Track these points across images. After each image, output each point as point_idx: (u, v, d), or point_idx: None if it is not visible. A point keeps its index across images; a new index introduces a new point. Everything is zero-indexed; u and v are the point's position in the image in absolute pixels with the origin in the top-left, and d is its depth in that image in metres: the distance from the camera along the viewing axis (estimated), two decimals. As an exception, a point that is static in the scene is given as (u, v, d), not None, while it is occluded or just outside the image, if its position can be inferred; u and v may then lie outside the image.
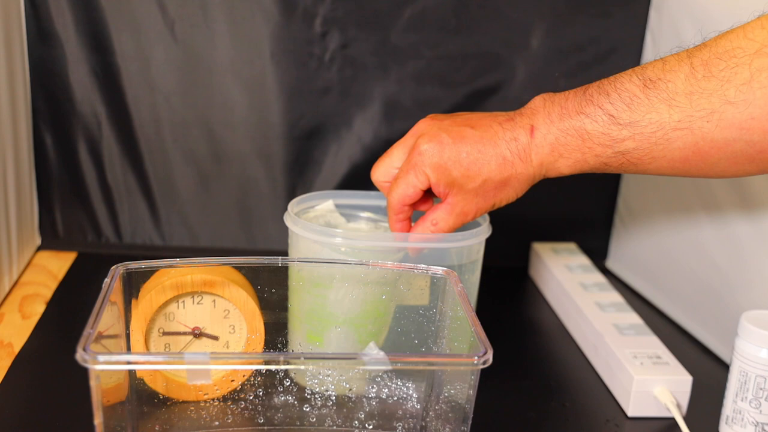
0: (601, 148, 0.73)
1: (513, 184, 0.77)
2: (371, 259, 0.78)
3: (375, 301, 0.79)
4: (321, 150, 1.12)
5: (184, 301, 0.77)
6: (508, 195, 0.79)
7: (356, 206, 0.90)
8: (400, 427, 0.75)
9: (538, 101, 0.77)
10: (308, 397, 0.75)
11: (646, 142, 0.71)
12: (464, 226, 0.89)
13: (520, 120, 0.76)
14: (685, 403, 0.82)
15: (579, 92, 0.75)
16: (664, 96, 0.70)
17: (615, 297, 0.99)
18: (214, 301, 0.77)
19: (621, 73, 0.74)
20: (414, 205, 0.81)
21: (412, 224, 0.82)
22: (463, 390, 0.68)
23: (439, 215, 0.79)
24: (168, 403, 0.76)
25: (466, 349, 0.69)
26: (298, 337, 0.81)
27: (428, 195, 0.81)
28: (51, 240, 1.13)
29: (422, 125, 0.79)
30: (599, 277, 1.05)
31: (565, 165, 0.76)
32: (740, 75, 0.67)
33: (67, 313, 0.94)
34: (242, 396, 0.75)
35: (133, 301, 0.75)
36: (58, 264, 1.07)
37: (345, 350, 0.80)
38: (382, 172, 0.82)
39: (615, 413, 0.83)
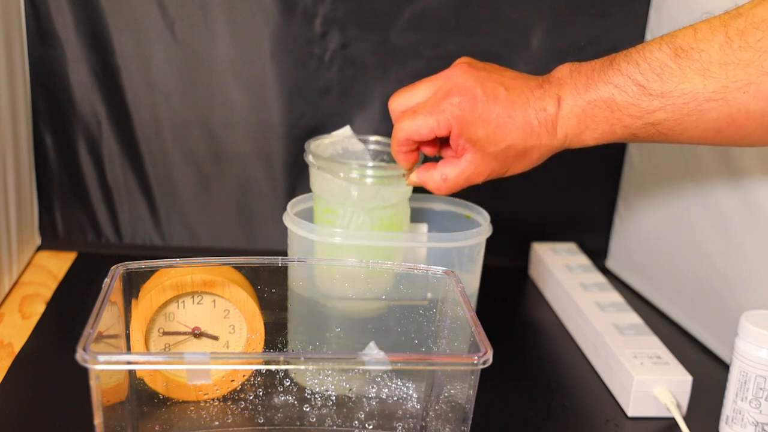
0: (630, 119, 0.72)
1: (533, 154, 0.75)
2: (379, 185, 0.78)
3: (383, 225, 0.79)
4: (321, 150, 1.12)
5: (184, 301, 0.77)
6: (525, 164, 0.76)
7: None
8: (400, 427, 0.75)
9: (564, 71, 0.75)
10: (308, 397, 0.75)
11: (678, 113, 0.70)
12: (464, 225, 0.89)
13: (548, 89, 0.74)
14: (685, 403, 0.82)
15: (606, 62, 0.73)
16: (697, 66, 0.68)
17: (615, 297, 0.99)
18: (214, 301, 0.77)
19: (649, 41, 0.72)
20: (419, 144, 0.78)
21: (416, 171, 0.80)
22: (463, 390, 0.68)
23: (451, 171, 0.77)
24: (168, 403, 0.76)
25: (466, 349, 0.69)
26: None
27: (434, 141, 0.78)
28: (51, 240, 1.13)
29: (458, 72, 0.75)
30: (599, 277, 1.05)
31: (590, 137, 0.74)
32: None
33: (67, 313, 0.94)
34: (242, 396, 0.75)
35: (133, 301, 0.75)
36: (58, 264, 1.07)
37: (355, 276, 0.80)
38: (402, 103, 0.78)
39: (615, 413, 0.83)
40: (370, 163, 0.85)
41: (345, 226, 0.80)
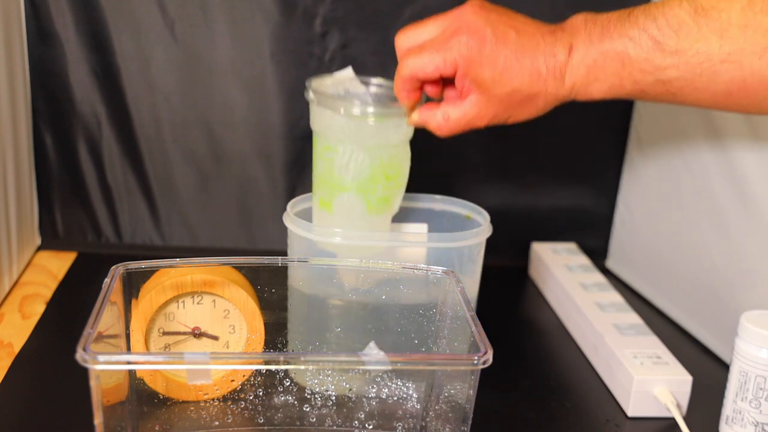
0: (641, 74, 0.71)
1: (538, 101, 0.74)
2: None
3: (383, 165, 0.79)
4: (321, 150, 1.11)
5: (184, 301, 0.77)
6: (529, 112, 0.75)
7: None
8: (400, 427, 0.75)
9: (578, 20, 0.74)
10: (308, 397, 0.75)
11: (691, 73, 0.69)
12: (464, 225, 0.89)
13: (561, 36, 0.73)
14: (685, 403, 0.82)
15: (623, 14, 0.72)
16: (716, 26, 0.67)
17: (615, 297, 0.99)
18: (214, 301, 0.77)
19: None
20: (424, 82, 0.76)
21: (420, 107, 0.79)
22: (463, 390, 0.68)
23: (453, 112, 0.75)
24: (168, 403, 0.76)
25: (466, 349, 0.69)
26: (314, 204, 0.82)
27: (439, 81, 0.77)
28: (51, 240, 1.13)
29: (469, 11, 0.74)
30: (599, 277, 1.05)
31: (598, 89, 0.73)
32: None
33: (67, 313, 0.94)
34: (242, 396, 0.75)
35: (133, 301, 0.75)
36: (58, 264, 1.07)
37: (352, 216, 0.80)
38: (408, 39, 0.76)
39: (615, 413, 0.83)
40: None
41: (344, 164, 0.79)
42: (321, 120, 0.80)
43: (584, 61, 0.72)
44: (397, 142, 0.80)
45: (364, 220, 0.80)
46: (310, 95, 0.80)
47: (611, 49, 0.71)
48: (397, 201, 0.81)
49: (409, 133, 0.81)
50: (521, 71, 0.72)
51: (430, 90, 0.77)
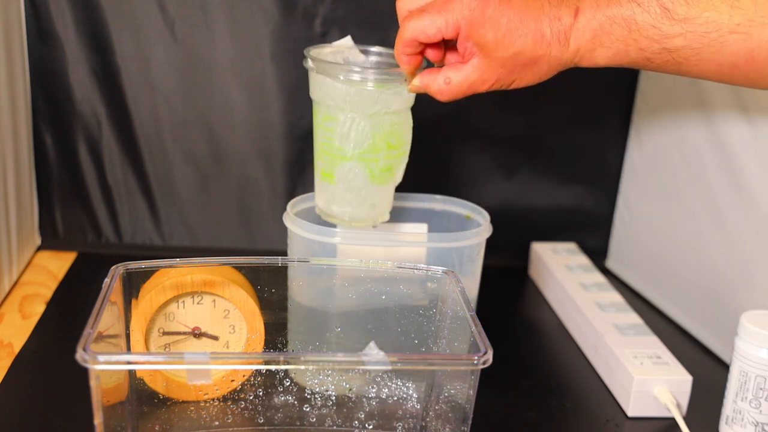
0: (648, 41, 0.70)
1: (542, 65, 0.73)
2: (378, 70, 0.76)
3: (384, 133, 0.78)
4: (321, 150, 1.11)
5: (184, 301, 0.77)
6: (532, 76, 0.74)
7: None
8: (400, 427, 0.75)
9: None
10: (308, 397, 0.75)
11: (698, 42, 0.68)
12: (464, 225, 0.89)
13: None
14: (685, 403, 0.82)
15: None
16: None
17: (615, 297, 0.99)
18: (214, 301, 0.77)
19: None
20: (425, 46, 0.75)
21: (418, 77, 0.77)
22: (463, 390, 0.68)
23: (455, 75, 0.74)
24: (168, 403, 0.76)
25: (466, 349, 0.69)
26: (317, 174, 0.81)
27: (440, 44, 0.76)
28: (51, 240, 1.13)
29: None
30: (599, 277, 1.05)
31: (603, 55, 0.72)
32: None
33: (67, 313, 0.94)
34: (242, 396, 0.75)
35: (133, 301, 0.75)
36: (58, 264, 1.07)
37: (355, 187, 0.79)
38: (410, 2, 0.75)
39: (615, 413, 0.83)
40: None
41: (345, 133, 0.78)
42: (321, 88, 0.78)
43: (590, 26, 0.71)
44: (398, 109, 0.78)
45: (367, 190, 0.79)
46: (309, 63, 0.79)
47: (618, 14, 0.70)
48: (400, 171, 0.80)
49: (410, 99, 0.79)
50: (525, 33, 0.71)
51: (432, 54, 0.76)
